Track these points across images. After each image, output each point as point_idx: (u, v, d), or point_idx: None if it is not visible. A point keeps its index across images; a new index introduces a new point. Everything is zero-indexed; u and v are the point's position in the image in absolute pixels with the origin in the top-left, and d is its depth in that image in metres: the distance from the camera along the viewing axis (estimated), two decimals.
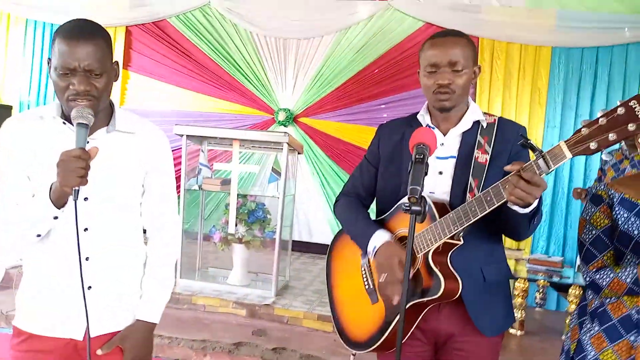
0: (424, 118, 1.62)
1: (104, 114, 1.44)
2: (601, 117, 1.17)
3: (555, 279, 4.06)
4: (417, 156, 1.29)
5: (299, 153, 4.44)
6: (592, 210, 1.68)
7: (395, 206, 1.61)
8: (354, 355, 1.73)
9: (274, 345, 3.36)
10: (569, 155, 1.21)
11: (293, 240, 4.77)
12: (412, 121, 1.66)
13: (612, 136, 1.15)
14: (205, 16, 6.05)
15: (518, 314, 3.87)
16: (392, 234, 1.59)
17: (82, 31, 1.31)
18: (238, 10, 5.89)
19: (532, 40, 5.30)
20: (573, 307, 3.78)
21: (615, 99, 5.15)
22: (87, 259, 1.38)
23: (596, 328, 1.62)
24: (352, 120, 5.77)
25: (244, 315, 3.84)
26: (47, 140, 1.38)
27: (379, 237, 1.57)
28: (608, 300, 1.62)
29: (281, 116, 5.89)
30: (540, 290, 4.68)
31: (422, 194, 1.23)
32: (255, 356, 3.29)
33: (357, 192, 1.77)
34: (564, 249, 5.23)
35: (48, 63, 1.35)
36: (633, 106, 1.14)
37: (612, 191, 1.66)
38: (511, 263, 4.37)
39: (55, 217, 1.33)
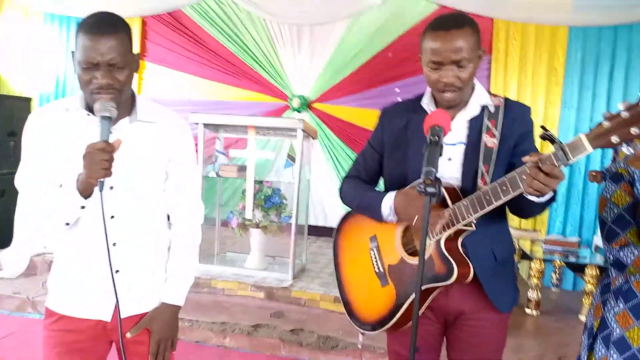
0: (429, 106, 1.60)
1: (126, 104, 1.48)
2: (624, 110, 1.15)
3: (572, 259, 4.04)
4: (431, 138, 1.28)
5: (313, 138, 4.47)
6: (613, 188, 1.67)
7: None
8: (363, 334, 1.76)
9: (291, 327, 3.42)
10: (589, 148, 1.18)
11: (309, 225, 4.82)
12: (416, 107, 1.62)
13: (634, 130, 1.13)
14: (219, 5, 6.07)
15: (534, 295, 3.88)
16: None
17: (104, 25, 1.34)
18: None
19: (548, 20, 5.21)
20: (589, 287, 3.77)
21: (634, 79, 5.06)
22: (114, 244, 1.44)
23: (621, 306, 1.61)
24: (367, 105, 5.77)
25: (262, 297, 3.91)
26: (73, 131, 1.44)
27: (390, 197, 1.57)
28: (633, 277, 1.60)
29: (295, 103, 5.91)
30: (557, 271, 4.67)
31: (437, 176, 1.22)
32: (273, 337, 3.36)
33: (360, 177, 1.77)
34: (581, 229, 5.20)
35: (72, 56, 1.39)
36: None
37: (633, 168, 1.64)
38: (527, 244, 4.36)
39: (83, 207, 1.39)
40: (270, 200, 4.17)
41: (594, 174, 4.19)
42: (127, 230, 1.48)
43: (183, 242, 1.62)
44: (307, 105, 5.95)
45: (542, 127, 1.28)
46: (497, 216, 1.55)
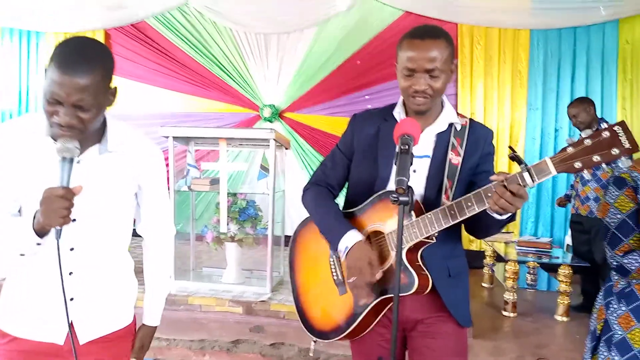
0: (399, 115, 1.61)
1: (96, 132, 1.38)
2: (586, 138, 1.21)
3: (545, 259, 4.13)
4: (402, 147, 1.29)
5: (286, 148, 4.45)
6: (616, 193, 1.66)
7: (369, 200, 1.59)
8: (314, 342, 1.73)
9: (272, 341, 3.39)
10: (553, 171, 1.25)
11: (285, 236, 4.78)
12: (387, 115, 1.63)
13: (596, 158, 1.20)
14: (184, 15, 6.02)
15: (510, 296, 3.94)
16: (364, 229, 1.59)
17: (78, 62, 1.21)
18: (216, 7, 5.86)
19: (510, 23, 5.35)
20: (564, 286, 3.85)
21: (595, 78, 5.23)
22: (70, 273, 1.37)
23: (623, 308, 1.63)
24: (338, 112, 5.80)
25: (241, 312, 3.86)
26: (37, 156, 1.34)
27: (351, 237, 1.55)
28: (635, 281, 1.63)
29: (266, 112, 5.89)
30: (531, 272, 4.77)
31: (409, 185, 1.23)
32: (254, 352, 3.32)
33: (328, 182, 1.74)
34: (552, 229, 5.33)
35: (45, 73, 1.26)
36: (617, 131, 1.18)
37: (636, 173, 1.65)
38: (501, 246, 4.43)
39: (39, 244, 1.30)
40: (245, 213, 4.12)
41: (559, 201, 4.46)
42: (86, 260, 1.42)
43: (157, 265, 1.62)
44: (278, 114, 5.93)
45: (510, 147, 1.32)
46: (454, 233, 1.57)
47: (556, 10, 5.14)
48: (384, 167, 1.57)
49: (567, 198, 4.32)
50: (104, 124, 1.42)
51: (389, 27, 5.58)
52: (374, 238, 1.59)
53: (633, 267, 1.59)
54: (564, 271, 3.85)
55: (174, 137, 4.10)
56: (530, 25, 5.32)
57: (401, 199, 1.22)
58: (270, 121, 5.91)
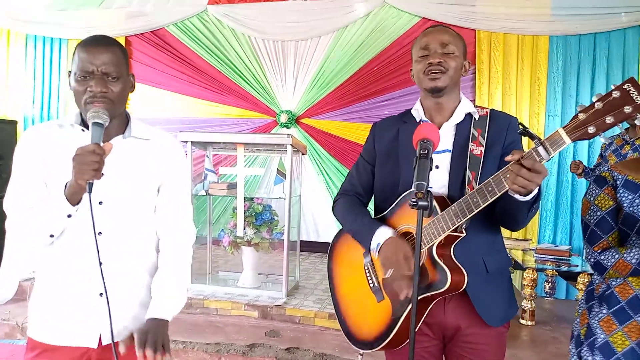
0: (418, 112, 1.63)
1: (120, 122, 1.48)
2: (597, 101, 1.18)
3: (564, 267, 4.07)
4: (421, 152, 1.29)
5: (302, 154, 4.48)
6: (597, 191, 1.69)
7: (396, 203, 1.60)
8: (361, 355, 1.72)
9: (287, 345, 3.39)
10: (568, 140, 1.21)
11: (301, 241, 4.80)
12: (405, 116, 1.67)
13: (609, 119, 1.16)
14: (203, 22, 6.10)
15: (528, 304, 3.89)
16: (394, 231, 1.58)
17: (101, 41, 1.40)
18: (234, 15, 5.94)
19: (529, 30, 5.32)
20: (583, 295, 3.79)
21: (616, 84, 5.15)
22: (100, 264, 1.37)
23: (604, 311, 1.63)
24: (354, 118, 5.81)
25: (256, 316, 3.88)
26: (66, 147, 1.40)
27: (382, 234, 1.56)
28: (614, 282, 1.63)
29: (283, 118, 5.92)
30: (549, 280, 4.70)
31: (428, 189, 1.24)
32: (269, 357, 3.32)
33: (356, 191, 1.77)
34: (571, 237, 5.25)
35: (69, 75, 1.41)
36: (628, 89, 1.14)
37: (616, 173, 1.67)
38: (519, 254, 4.39)
39: (69, 216, 1.35)
40: (261, 217, 4.15)
41: (577, 162, 4.26)
42: (114, 249, 1.43)
43: (173, 261, 1.53)
44: (294, 120, 5.96)
45: (521, 124, 1.31)
46: (490, 226, 1.55)
47: (576, 16, 5.10)
48: (406, 167, 1.56)
49: (586, 173, 4.24)
50: (127, 118, 1.51)
51: (406, 33, 5.59)
52: (405, 238, 1.58)
53: (609, 264, 1.60)
54: (583, 279, 3.79)
55: (192, 142, 4.15)
56: (550, 32, 5.28)
57: (420, 203, 1.22)
58: (287, 127, 5.94)
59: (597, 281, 1.71)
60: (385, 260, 1.52)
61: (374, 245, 1.57)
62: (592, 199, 1.70)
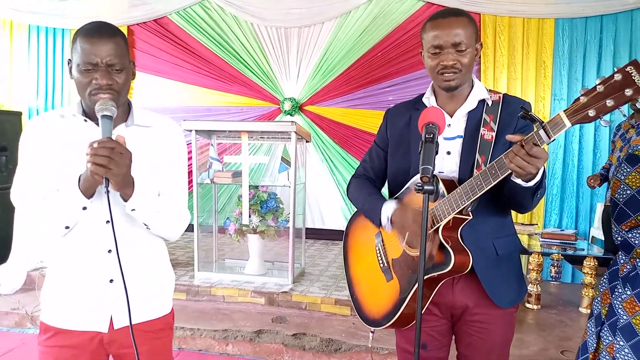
0: (429, 100, 1.63)
1: (123, 111, 1.49)
2: (599, 84, 1.17)
3: (569, 251, 4.06)
4: (427, 136, 1.31)
5: (307, 141, 4.47)
6: (628, 170, 1.66)
7: (405, 187, 1.63)
8: (372, 332, 1.76)
9: (294, 331, 3.42)
10: (568, 123, 1.21)
11: (306, 228, 4.81)
12: (417, 104, 1.67)
13: (609, 102, 1.15)
14: (205, 10, 6.07)
15: (534, 288, 3.89)
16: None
17: (103, 30, 1.38)
18: (237, 2, 5.90)
19: (534, 13, 5.26)
20: (588, 279, 3.79)
21: None
22: (109, 251, 1.42)
23: (628, 292, 1.61)
24: (358, 105, 5.78)
25: (263, 303, 3.90)
26: (69, 137, 1.42)
27: (389, 207, 1.61)
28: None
29: (287, 105, 5.91)
30: (555, 264, 4.70)
31: (434, 173, 1.25)
32: (276, 342, 3.35)
33: (368, 175, 1.80)
34: (577, 221, 5.24)
35: (68, 64, 1.41)
36: (630, 72, 1.13)
37: None
38: (524, 238, 4.38)
39: (84, 208, 1.37)
40: (266, 205, 4.16)
41: (592, 179, 4.17)
42: (124, 236, 1.45)
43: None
44: (298, 107, 5.95)
45: (522, 107, 1.30)
46: (499, 210, 1.56)
47: None
48: (417, 153, 1.56)
49: (604, 178, 4.14)
50: (129, 106, 1.52)
51: (409, 18, 5.54)
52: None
53: (637, 242, 1.58)
54: (589, 263, 3.79)
55: (196, 131, 4.15)
56: (555, 15, 5.21)
57: (426, 187, 1.24)
58: (291, 114, 5.92)
59: (621, 261, 1.69)
60: (400, 225, 1.57)
61: (384, 220, 1.61)
62: (622, 177, 1.68)
